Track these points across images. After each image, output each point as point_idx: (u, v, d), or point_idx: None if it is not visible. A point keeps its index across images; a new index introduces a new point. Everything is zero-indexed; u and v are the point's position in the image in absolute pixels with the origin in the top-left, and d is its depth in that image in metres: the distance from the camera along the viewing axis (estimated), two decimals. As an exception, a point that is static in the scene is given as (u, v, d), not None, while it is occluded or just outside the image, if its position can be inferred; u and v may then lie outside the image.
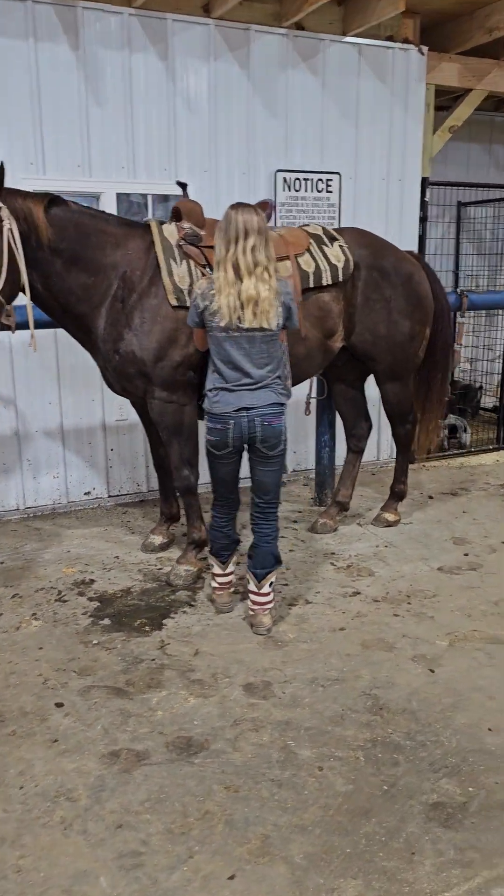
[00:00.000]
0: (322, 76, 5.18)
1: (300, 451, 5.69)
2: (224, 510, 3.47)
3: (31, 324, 3.51)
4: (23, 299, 3.49)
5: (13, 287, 3.40)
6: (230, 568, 3.55)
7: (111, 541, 4.55)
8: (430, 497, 5.34)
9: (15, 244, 3.33)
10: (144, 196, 4.94)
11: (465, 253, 7.83)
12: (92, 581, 4.00)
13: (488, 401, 7.33)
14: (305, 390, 4.81)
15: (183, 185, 3.93)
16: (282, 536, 4.55)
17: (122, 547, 4.45)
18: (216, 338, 3.15)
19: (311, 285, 3.89)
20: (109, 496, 5.19)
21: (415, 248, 5.73)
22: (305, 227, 4.11)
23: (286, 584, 3.94)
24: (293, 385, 4.05)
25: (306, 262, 3.89)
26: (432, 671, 3.12)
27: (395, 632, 3.44)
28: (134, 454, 5.18)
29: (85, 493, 5.12)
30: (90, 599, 3.79)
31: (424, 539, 4.55)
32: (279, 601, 3.72)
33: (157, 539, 4.36)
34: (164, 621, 3.56)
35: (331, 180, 5.33)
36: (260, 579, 3.39)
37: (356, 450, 4.72)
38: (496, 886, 2.05)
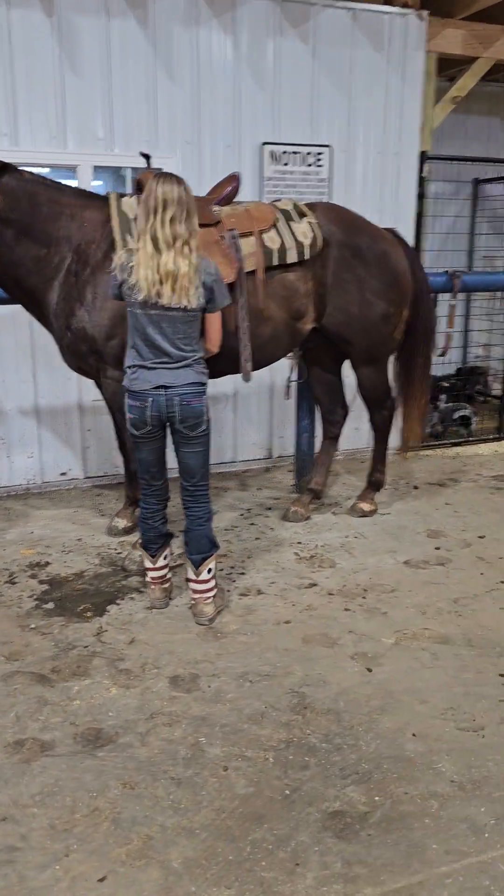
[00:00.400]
0: (313, 43, 4.96)
1: (286, 437, 5.54)
2: (151, 499, 3.35)
3: None
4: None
5: None
6: (161, 562, 3.42)
7: (78, 523, 4.49)
8: (416, 487, 5.14)
9: None
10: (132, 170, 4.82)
11: (481, 233, 7.53)
12: (47, 563, 3.94)
13: (498, 387, 7.07)
14: (286, 373, 4.69)
15: (146, 157, 3.80)
16: (251, 524, 4.46)
17: (88, 529, 4.38)
18: (135, 314, 3.02)
19: (276, 263, 3.72)
20: (86, 477, 5.12)
21: (411, 225, 5.51)
22: (276, 203, 3.94)
23: (242, 574, 3.82)
24: (258, 368, 3.94)
25: (271, 239, 3.73)
26: (369, 670, 2.98)
27: (341, 627, 3.30)
28: (111, 435, 5.04)
29: (61, 474, 5.06)
30: (41, 582, 3.73)
31: (398, 531, 4.38)
32: (230, 591, 3.61)
33: (122, 522, 4.27)
34: (109, 607, 3.48)
35: (321, 154, 5.12)
36: (197, 565, 3.28)
37: (331, 436, 4.56)
38: (375, 907, 1.93)
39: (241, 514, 4.63)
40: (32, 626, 3.31)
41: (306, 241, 3.77)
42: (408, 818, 2.22)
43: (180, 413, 3.10)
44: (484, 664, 3.02)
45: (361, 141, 5.25)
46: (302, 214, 3.84)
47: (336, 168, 5.21)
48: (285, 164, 5.05)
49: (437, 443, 6.08)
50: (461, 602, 3.53)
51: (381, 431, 4.45)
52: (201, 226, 3.60)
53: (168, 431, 3.21)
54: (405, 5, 5.13)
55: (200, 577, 3.29)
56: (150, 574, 3.45)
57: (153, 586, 3.47)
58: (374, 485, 4.59)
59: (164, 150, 4.75)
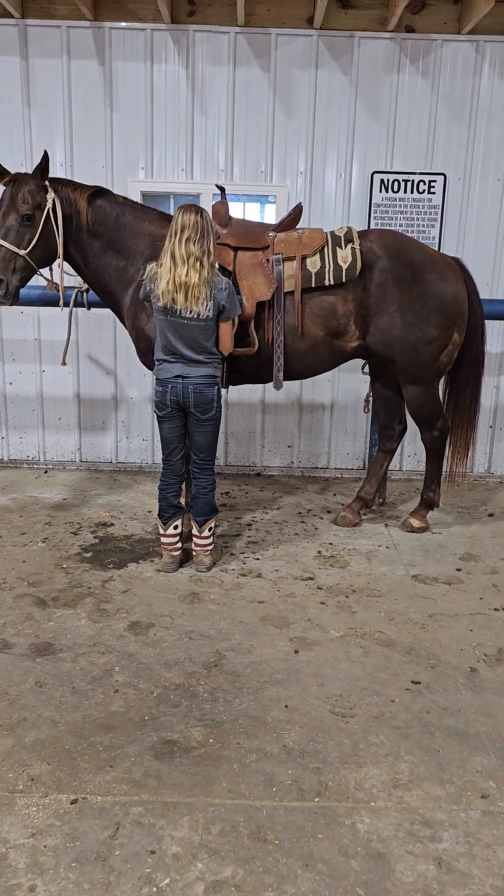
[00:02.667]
0: (432, 77, 5.17)
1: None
2: (167, 474, 3.95)
3: (62, 288, 4.24)
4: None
5: (47, 255, 4.07)
6: (171, 530, 3.98)
7: (160, 498, 5.20)
8: (491, 514, 5.09)
9: (55, 220, 4.03)
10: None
11: None
12: (111, 524, 4.71)
13: None
14: (366, 389, 4.99)
15: (221, 189, 4.37)
16: (301, 522, 4.85)
17: (163, 504, 5.07)
18: (158, 318, 3.65)
19: (313, 285, 4.10)
20: (190, 463, 5.83)
21: (532, 252, 5.42)
22: (336, 230, 4.30)
23: (257, 559, 4.24)
24: (301, 379, 4.36)
25: (312, 263, 4.11)
26: (296, 652, 3.27)
27: (303, 615, 3.60)
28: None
29: (169, 457, 5.83)
30: (95, 537, 4.50)
31: (434, 549, 4.46)
32: (235, 571, 4.07)
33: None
34: (129, 564, 4.13)
35: (434, 181, 5.30)
36: (201, 525, 3.93)
37: (385, 449, 4.76)
38: (129, 808, 2.34)
39: (300, 513, 5.02)
40: (64, 566, 4.07)
41: (344, 266, 4.08)
42: (222, 761, 2.56)
43: (194, 399, 3.71)
44: (405, 669, 3.15)
45: (480, 169, 5.32)
46: (349, 241, 4.16)
47: (451, 195, 5.34)
48: (395, 192, 5.31)
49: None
50: (435, 618, 3.62)
51: (431, 451, 4.56)
52: (251, 249, 4.14)
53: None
54: (540, 32, 5.10)
55: (202, 535, 3.93)
56: (162, 540, 4.04)
57: (164, 552, 4.06)
58: (426, 503, 4.70)
59: (278, 180, 5.30)
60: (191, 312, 3.59)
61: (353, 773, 2.52)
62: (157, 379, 3.80)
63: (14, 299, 3.96)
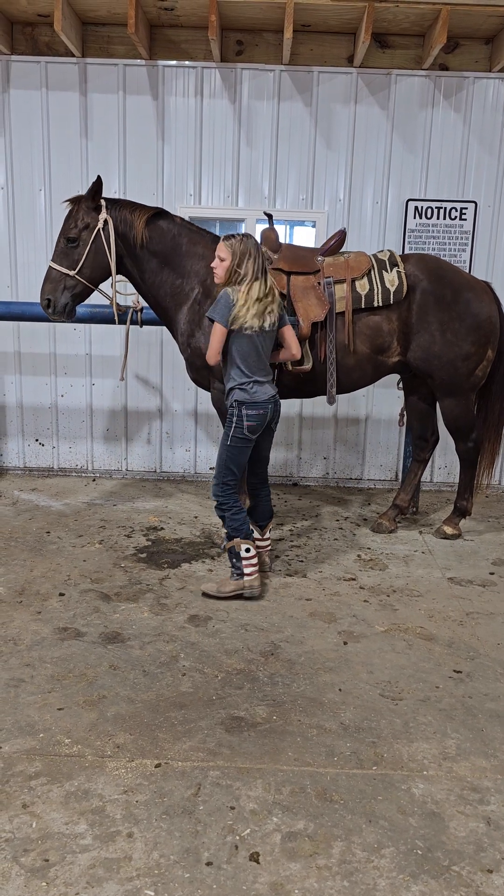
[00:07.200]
0: (464, 111, 5.50)
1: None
2: (241, 494, 4.22)
3: (115, 304, 4.59)
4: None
5: (99, 272, 4.39)
6: (267, 534, 4.29)
7: (204, 506, 5.50)
8: (520, 523, 5.35)
9: (106, 239, 4.35)
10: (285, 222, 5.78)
11: None
12: (161, 529, 5.00)
13: None
14: (400, 404, 5.28)
15: (269, 216, 4.69)
16: (339, 528, 5.13)
17: (207, 511, 5.37)
18: (242, 341, 3.75)
19: (363, 306, 4.39)
20: (230, 473, 6.12)
21: None
22: (378, 253, 4.60)
23: (301, 562, 4.51)
24: (344, 392, 4.64)
25: (361, 286, 4.41)
26: (345, 643, 3.54)
27: (349, 611, 3.87)
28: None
29: (210, 468, 6.13)
30: (148, 540, 4.80)
31: (468, 555, 4.71)
32: (281, 571, 4.34)
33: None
34: (182, 564, 4.42)
35: (465, 209, 5.61)
36: (263, 528, 4.23)
37: (419, 459, 5.03)
38: (204, 768, 2.61)
39: (337, 520, 5.29)
40: (122, 565, 4.36)
41: (392, 288, 4.38)
42: (286, 734, 2.83)
43: (277, 416, 3.98)
44: (447, 660, 3.41)
45: (510, 196, 5.63)
46: (394, 265, 4.46)
47: (481, 222, 5.64)
48: (429, 218, 5.63)
49: None
50: (472, 615, 3.88)
51: (465, 461, 4.83)
52: (304, 273, 4.45)
53: None
54: None
55: (265, 536, 4.24)
56: (260, 544, 4.20)
57: (255, 572, 4.00)
58: (459, 511, 4.96)
59: (318, 207, 5.63)
60: (270, 324, 3.76)
61: (405, 747, 2.78)
62: (252, 403, 3.77)
63: (68, 317, 4.29)
